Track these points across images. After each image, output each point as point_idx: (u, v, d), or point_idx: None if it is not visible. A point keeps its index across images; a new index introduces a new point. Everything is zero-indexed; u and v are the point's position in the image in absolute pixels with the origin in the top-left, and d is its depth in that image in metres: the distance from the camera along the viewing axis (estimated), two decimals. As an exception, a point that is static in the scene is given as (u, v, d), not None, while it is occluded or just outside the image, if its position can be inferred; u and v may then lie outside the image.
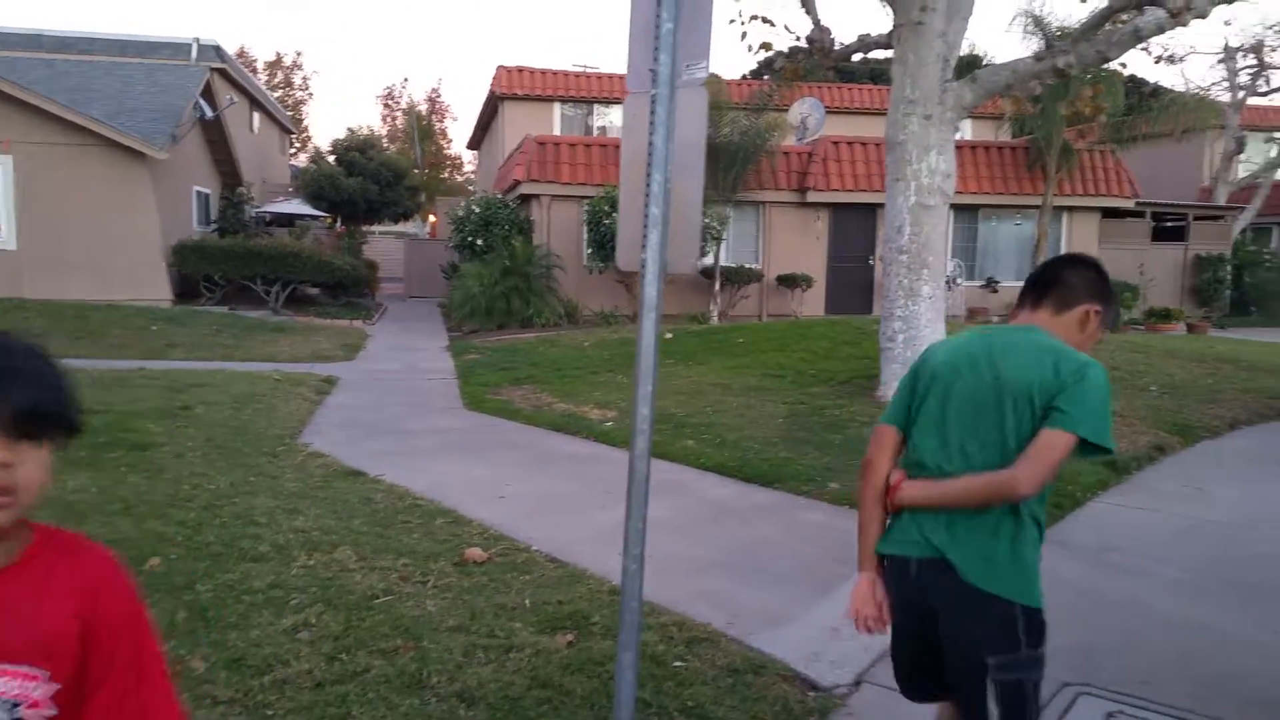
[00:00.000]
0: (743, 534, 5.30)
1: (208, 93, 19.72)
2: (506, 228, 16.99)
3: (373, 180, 23.93)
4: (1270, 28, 22.08)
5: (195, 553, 4.44)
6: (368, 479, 6.14)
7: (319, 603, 3.90)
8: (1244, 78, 22.63)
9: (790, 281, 17.68)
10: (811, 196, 17.86)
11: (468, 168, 47.55)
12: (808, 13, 9.79)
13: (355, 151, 24.42)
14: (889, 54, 9.00)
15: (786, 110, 18.98)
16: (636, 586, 2.97)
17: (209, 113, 18.97)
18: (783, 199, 18.00)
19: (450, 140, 49.19)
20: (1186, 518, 5.80)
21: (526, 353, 12.47)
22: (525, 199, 17.66)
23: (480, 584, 4.24)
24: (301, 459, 6.63)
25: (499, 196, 18.53)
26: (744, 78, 28.81)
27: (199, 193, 20.29)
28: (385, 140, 40.14)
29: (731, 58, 57.76)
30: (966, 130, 23.16)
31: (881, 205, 14.46)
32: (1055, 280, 2.23)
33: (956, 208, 16.68)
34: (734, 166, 16.38)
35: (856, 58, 10.60)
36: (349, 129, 29.96)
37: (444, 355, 13.24)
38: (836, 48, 9.93)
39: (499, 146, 23.52)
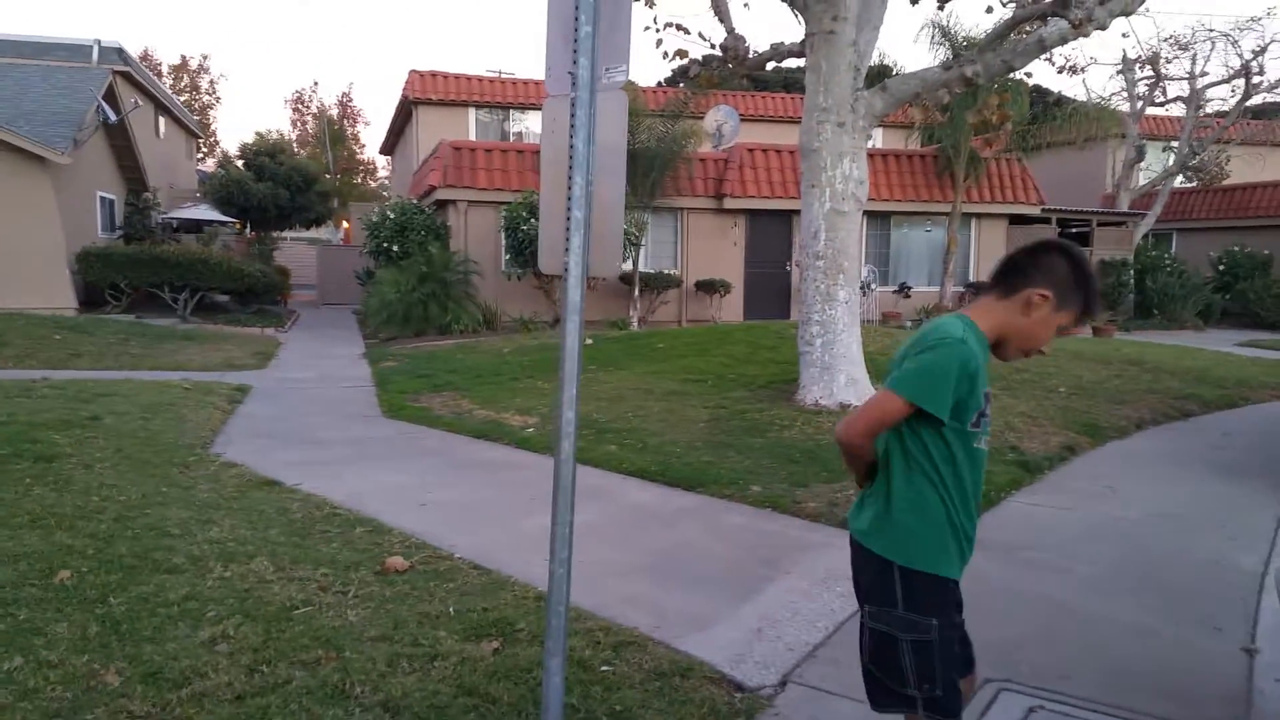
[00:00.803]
0: (667, 538, 5.32)
1: (111, 96, 18.94)
2: (423, 234, 16.75)
3: (283, 185, 23.30)
4: (1165, 40, 23.24)
5: (107, 565, 4.26)
6: (284, 489, 5.97)
7: (237, 614, 3.78)
8: (1142, 88, 23.83)
9: (709, 287, 17.88)
10: (728, 203, 18.10)
11: (382, 173, 46.72)
12: (721, 21, 9.92)
13: (265, 156, 23.75)
14: (802, 62, 9.18)
15: (702, 117, 19.21)
16: (564, 591, 2.96)
17: (112, 116, 18.22)
18: (700, 205, 18.20)
19: (363, 145, 48.32)
20: (1098, 516, 6.04)
21: (445, 359, 12.30)
22: (441, 204, 17.44)
23: (402, 593, 4.16)
24: (214, 469, 6.41)
25: (414, 202, 18.26)
26: (659, 85, 29.06)
27: (103, 198, 19.48)
28: (296, 145, 39.14)
29: (647, 65, 58.20)
30: (878, 139, 23.81)
31: (797, 212, 14.74)
32: (1013, 264, 2.28)
33: (870, 214, 17.12)
34: (651, 173, 16.50)
35: (770, 66, 10.78)
36: (258, 133, 29.06)
37: (360, 363, 12.97)
38: (751, 56, 10.08)
39: (413, 152, 23.17)
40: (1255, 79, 22.79)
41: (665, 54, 10.04)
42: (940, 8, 10.14)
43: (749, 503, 5.93)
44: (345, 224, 35.88)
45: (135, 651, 3.40)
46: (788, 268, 18.66)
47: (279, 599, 3.98)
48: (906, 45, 77.88)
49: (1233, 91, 23.62)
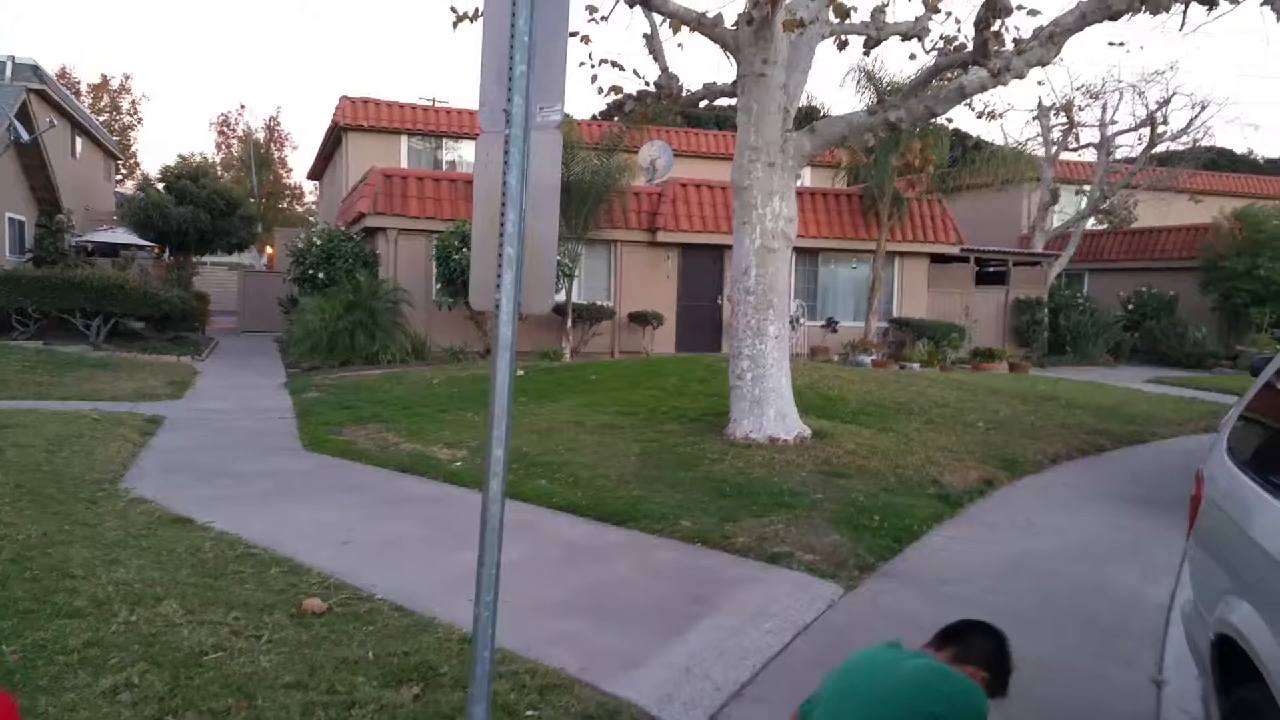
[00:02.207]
0: (596, 574, 5.27)
1: (24, 114, 18.23)
2: (350, 261, 16.44)
3: (205, 209, 22.66)
4: (1078, 89, 24.32)
5: (1, 609, 4.01)
6: (196, 526, 5.74)
7: (142, 661, 3.60)
8: (1057, 134, 24.89)
9: (642, 319, 17.94)
10: (661, 236, 18.25)
11: (309, 198, 45.89)
12: (656, 60, 10.05)
13: (186, 179, 23.08)
14: (734, 102, 9.35)
15: (636, 152, 19.38)
16: (488, 635, 2.89)
17: (25, 136, 17.55)
18: (634, 238, 18.31)
19: (290, 170, 47.40)
20: (1016, 549, 6.19)
21: (371, 390, 12.05)
22: (371, 232, 17.17)
23: (319, 636, 4.02)
24: (123, 505, 6.13)
25: (343, 229, 17.95)
26: (594, 118, 29.27)
27: (12, 219, 18.72)
28: (220, 168, 38.22)
29: (582, 98, 58.62)
30: (807, 178, 24.35)
31: (729, 246, 14.91)
32: (961, 637, 2.59)
33: (799, 251, 17.44)
34: (585, 205, 16.54)
35: (702, 105, 10.95)
36: (180, 156, 28.26)
37: (281, 393, 12.60)
38: (684, 94, 10.22)
39: (342, 178, 22.82)
40: (1160, 128, 24.06)
41: (600, 89, 10.10)
42: (866, 53, 10.45)
43: (679, 538, 5.92)
44: (269, 250, 35.06)
45: (29, 704, 3.19)
46: (719, 301, 18.86)
47: (188, 644, 3.80)
48: (834, 89, 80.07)
49: (1140, 139, 24.88)
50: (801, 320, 18.81)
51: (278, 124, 48.87)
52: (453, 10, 9.29)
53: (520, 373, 12.30)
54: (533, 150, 3.16)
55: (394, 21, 79.44)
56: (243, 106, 69.66)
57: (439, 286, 15.91)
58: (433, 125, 23.20)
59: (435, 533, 6.02)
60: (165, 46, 69.43)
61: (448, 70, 77.18)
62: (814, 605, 4.86)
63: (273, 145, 46.76)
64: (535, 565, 5.28)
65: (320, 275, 16.28)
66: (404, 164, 22.11)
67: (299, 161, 54.94)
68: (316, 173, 31.04)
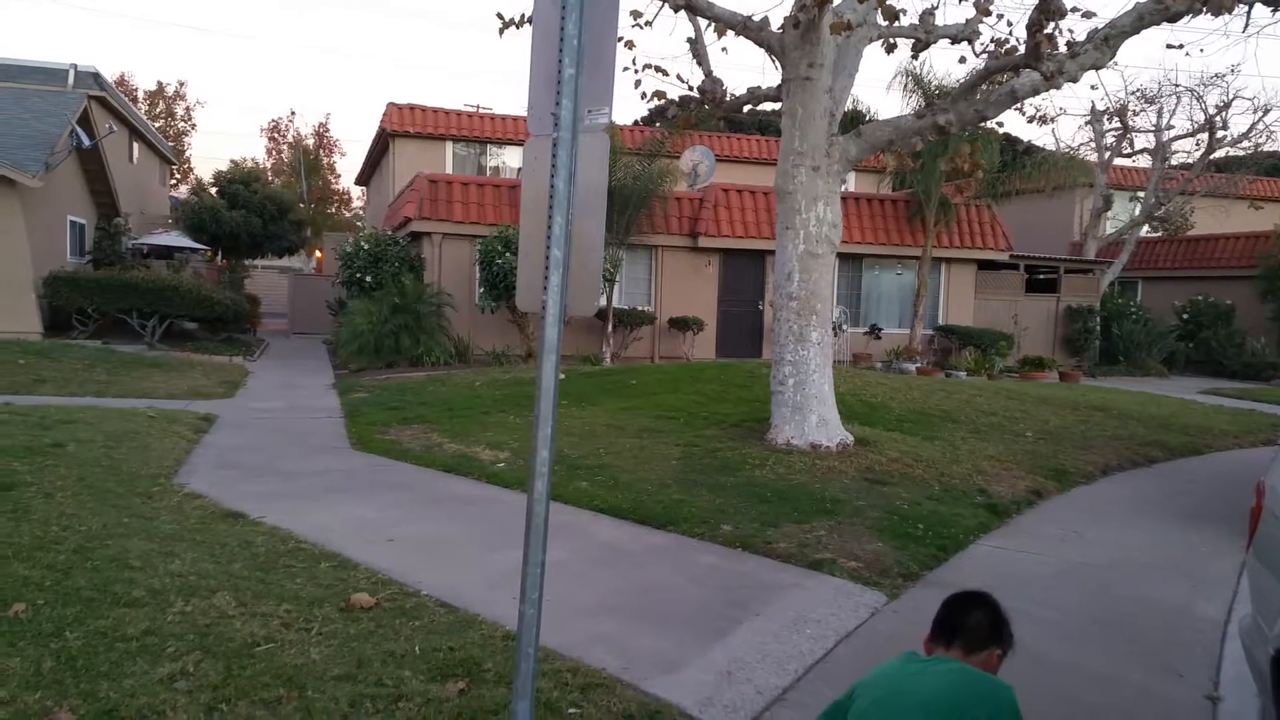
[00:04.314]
0: (637, 577, 5.28)
1: (85, 120, 18.80)
2: (397, 265, 16.71)
3: (256, 214, 23.18)
4: (1133, 93, 23.81)
5: (64, 598, 4.14)
6: (248, 521, 5.87)
7: (196, 650, 3.69)
8: (1110, 139, 24.40)
9: (682, 324, 17.95)
10: (703, 242, 18.25)
11: (356, 203, 46.64)
12: (699, 64, 10.07)
13: (239, 184, 23.64)
14: (778, 106, 9.32)
15: (678, 157, 19.41)
16: (533, 633, 2.92)
17: (86, 141, 18.08)
18: (675, 243, 18.33)
19: (338, 175, 48.24)
20: (1063, 561, 6.08)
21: (416, 392, 12.21)
22: (416, 236, 17.42)
23: (367, 630, 4.09)
24: (178, 500, 6.29)
25: (389, 233, 18.22)
26: (637, 124, 29.38)
27: (74, 223, 19.28)
28: (270, 174, 39.01)
29: (624, 104, 58.85)
30: (851, 182, 24.17)
31: (770, 252, 14.83)
32: (961, 627, 2.57)
33: (842, 256, 17.33)
34: (627, 210, 16.60)
35: (745, 109, 10.94)
36: (233, 161, 28.93)
37: (329, 393, 12.83)
38: (728, 99, 10.23)
39: (389, 183, 23.18)
40: (1219, 133, 23.47)
41: (643, 95, 10.14)
42: (914, 57, 10.36)
43: (720, 542, 5.91)
44: (318, 253, 35.69)
45: (91, 688, 3.30)
46: (760, 307, 18.79)
47: (240, 635, 3.89)
48: (880, 92, 79.43)
49: (1197, 145, 24.30)
50: (844, 326, 18.67)
51: (327, 130, 49.70)
52: (499, 17, 9.41)
53: (561, 376, 12.35)
54: (580, 153, 3.20)
55: (441, 29, 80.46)
56: (293, 113, 71.07)
57: (482, 290, 16.08)
58: (477, 131, 23.47)
59: (478, 532, 6.08)
60: (220, 54, 71.16)
61: (492, 77, 77.99)
62: (857, 613, 4.83)
63: (322, 151, 47.64)
64: (576, 566, 5.31)
65: (367, 279, 16.57)
66: (449, 169, 22.40)
67: (347, 167, 55.87)
68: (364, 178, 31.56)
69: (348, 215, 47.27)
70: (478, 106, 25.77)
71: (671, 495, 6.91)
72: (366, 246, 17.03)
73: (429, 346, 15.49)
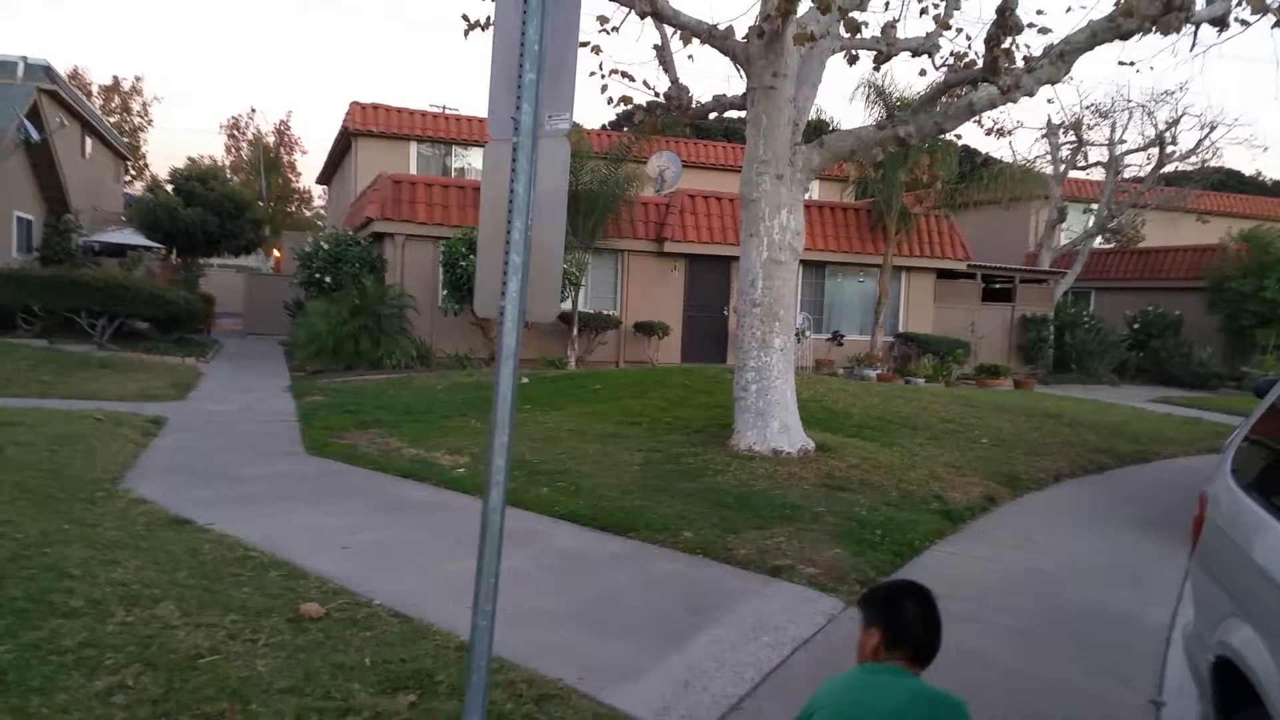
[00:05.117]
0: (596, 584, 5.25)
1: (35, 114, 18.33)
2: (357, 266, 16.49)
3: (213, 212, 22.74)
4: (1088, 108, 24.30)
5: (-5, 609, 4.00)
6: (195, 528, 5.73)
7: (137, 663, 3.58)
8: (1065, 152, 24.87)
9: (647, 329, 17.95)
10: (669, 247, 18.27)
11: (318, 203, 46.07)
12: (666, 71, 10.08)
13: (195, 181, 23.18)
14: (744, 114, 9.36)
15: (645, 162, 19.43)
16: (486, 645, 2.88)
17: (34, 135, 17.64)
18: (641, 248, 18.33)
19: (299, 174, 47.62)
20: (1016, 566, 6.16)
21: (375, 395, 12.05)
22: (378, 237, 17.22)
23: (316, 641, 4.00)
24: (123, 506, 6.12)
25: (350, 234, 18.00)
26: (604, 128, 29.36)
27: (20, 219, 18.80)
28: (229, 171, 38.33)
29: (591, 108, 58.82)
30: (815, 190, 24.35)
31: (735, 258, 14.86)
32: (903, 636, 2.36)
33: (805, 264, 17.43)
34: (594, 214, 16.59)
35: (711, 116, 10.98)
36: (190, 158, 28.36)
37: (285, 396, 12.61)
38: (694, 106, 10.25)
39: (351, 183, 22.91)
40: (1168, 148, 24.05)
41: (610, 100, 10.13)
42: (876, 68, 10.46)
43: (681, 549, 5.89)
44: (276, 253, 35.15)
45: (21, 704, 3.18)
46: (725, 313, 18.85)
47: (184, 647, 3.79)
48: (844, 102, 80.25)
49: (1148, 159, 24.88)
50: (807, 333, 18.79)
51: (288, 128, 49.04)
52: (464, 18, 9.34)
53: (524, 381, 12.31)
54: (541, 158, 3.16)
55: (407, 28, 79.86)
56: (253, 110, 70.04)
57: (445, 293, 15.94)
58: (442, 132, 23.30)
59: (435, 539, 6.00)
60: (178, 50, 69.93)
61: (458, 77, 77.56)
62: (814, 619, 4.83)
63: (282, 149, 47.00)
64: (535, 573, 5.26)
65: (327, 279, 16.33)
66: (413, 170, 22.20)
67: (309, 166, 55.23)
68: (326, 177, 31.18)
69: (308, 214, 46.67)
70: (444, 107, 25.58)
71: (633, 501, 6.88)
72: (326, 246, 16.79)
73: (389, 349, 15.31)
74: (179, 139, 66.60)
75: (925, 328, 20.18)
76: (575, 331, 16.95)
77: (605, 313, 17.88)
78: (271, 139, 46.88)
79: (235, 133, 47.53)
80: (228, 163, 44.08)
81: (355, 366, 15.08)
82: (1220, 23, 8.43)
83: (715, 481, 7.55)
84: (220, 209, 22.96)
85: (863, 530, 6.33)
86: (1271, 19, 8.36)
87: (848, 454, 8.63)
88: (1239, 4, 8.35)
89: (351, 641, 4.03)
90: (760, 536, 6.06)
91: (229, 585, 4.69)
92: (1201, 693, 3.28)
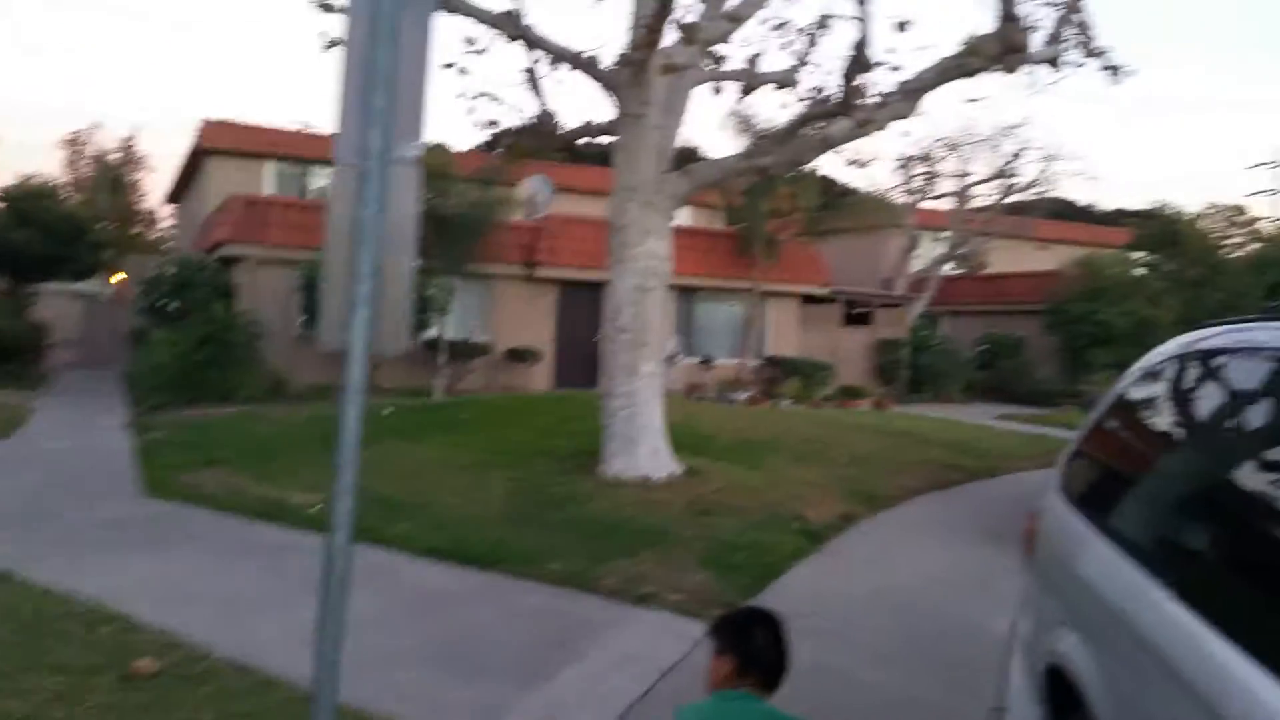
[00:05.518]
0: (457, 622, 5.09)
1: None
2: (207, 291, 15.59)
3: (48, 233, 21.17)
4: (939, 140, 25.72)
5: None
6: (15, 582, 5.23)
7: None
8: (918, 182, 26.25)
9: (519, 355, 17.76)
10: (541, 272, 18.18)
11: (167, 224, 43.57)
12: (535, 95, 10.06)
13: (28, 201, 21.54)
14: (614, 139, 9.43)
15: (516, 186, 19.29)
16: (330, 696, 2.73)
17: None
18: (512, 273, 18.15)
19: (145, 194, 44.90)
20: (872, 582, 6.37)
21: (224, 430, 11.37)
22: (230, 261, 16.39)
23: (148, 701, 3.71)
24: (-74, 561, 5.53)
25: (200, 257, 17.08)
26: (474, 150, 29.07)
27: None
28: (67, 191, 35.82)
29: (462, 129, 58.18)
30: (689, 217, 24.79)
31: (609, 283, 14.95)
32: (754, 662, 2.40)
33: (676, 288, 17.67)
34: (463, 239, 16.27)
35: (581, 142, 11.01)
36: (22, 175, 26.32)
37: (124, 433, 11.75)
38: (562, 131, 10.26)
39: (203, 203, 21.77)
40: (1012, 179, 25.77)
41: (477, 123, 10.02)
42: (740, 99, 10.77)
43: (546, 581, 5.79)
44: (119, 277, 33.00)
45: None
46: (598, 338, 18.86)
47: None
48: (717, 130, 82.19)
49: (993, 190, 26.54)
50: (678, 357, 19.03)
51: (134, 145, 46.22)
52: (324, 35, 9.08)
53: (387, 412, 11.92)
54: (390, 186, 3.07)
55: (268, 44, 77.00)
56: (95, 125, 65.69)
57: (303, 320, 15.30)
58: (302, 151, 22.44)
59: (286, 584, 5.68)
60: (12, 61, 65.00)
61: (322, 95, 75.25)
62: (678, 645, 4.83)
63: (127, 168, 44.29)
64: (392, 614, 5.05)
65: (173, 306, 15.38)
66: (270, 190, 21.30)
67: (158, 184, 52.18)
68: (175, 197, 29.55)
69: (155, 237, 44.07)
70: (305, 125, 24.70)
71: (499, 534, 6.73)
72: (173, 271, 15.87)
73: (241, 380, 14.49)
74: (12, 156, 61.84)
75: (792, 351, 20.80)
76: (443, 360, 16.57)
77: (475, 340, 17.58)
78: (115, 156, 44.12)
79: (75, 150, 44.49)
80: (67, 181, 41.17)
81: (203, 400, 14.18)
82: (1054, 63, 9.09)
83: (583, 510, 7.50)
84: (56, 230, 21.41)
85: (728, 553, 6.41)
86: (1099, 63, 9.12)
87: (715, 478, 8.74)
88: (1070, 47, 9.02)
89: (189, 699, 3.76)
90: (628, 565, 6.04)
91: (55, 643, 4.30)
92: (1038, 698, 3.45)
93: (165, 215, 41.47)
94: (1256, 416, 2.34)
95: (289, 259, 15.90)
